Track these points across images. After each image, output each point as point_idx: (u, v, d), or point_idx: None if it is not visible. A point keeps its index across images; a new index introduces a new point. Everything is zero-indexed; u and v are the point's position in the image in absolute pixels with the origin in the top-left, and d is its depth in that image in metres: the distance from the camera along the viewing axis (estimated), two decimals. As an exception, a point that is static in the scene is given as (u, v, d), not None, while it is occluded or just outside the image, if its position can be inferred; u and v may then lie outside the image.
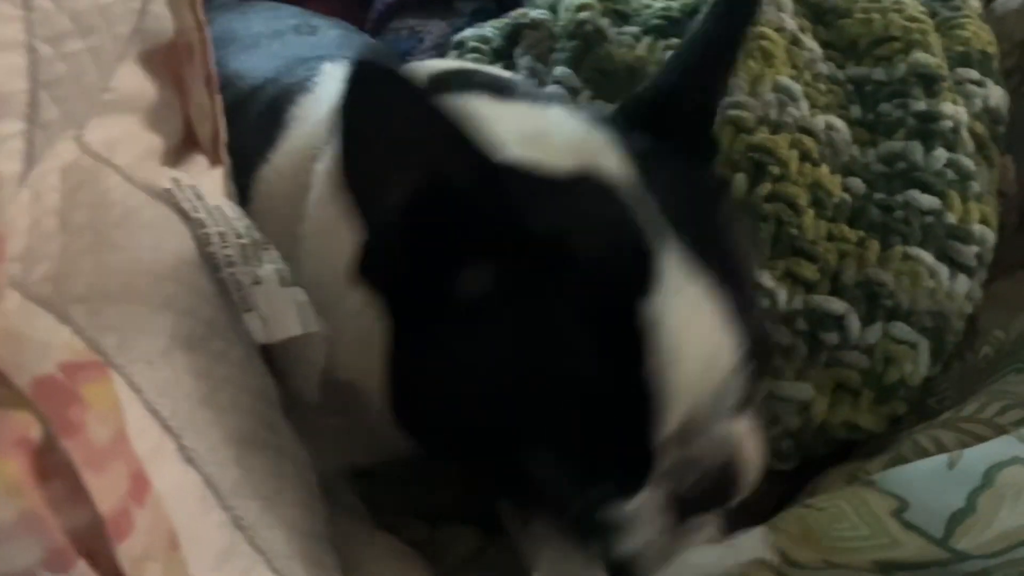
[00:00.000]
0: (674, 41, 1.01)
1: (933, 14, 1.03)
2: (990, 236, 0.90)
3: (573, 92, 0.99)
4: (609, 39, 1.02)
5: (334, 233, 0.63)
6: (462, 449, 0.62)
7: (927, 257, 0.86)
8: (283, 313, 0.59)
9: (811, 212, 0.86)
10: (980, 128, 0.95)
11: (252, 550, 0.54)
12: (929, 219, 0.88)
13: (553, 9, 1.09)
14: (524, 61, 1.06)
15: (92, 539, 0.42)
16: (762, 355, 0.61)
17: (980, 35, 1.02)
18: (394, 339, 0.61)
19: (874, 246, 0.86)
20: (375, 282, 0.60)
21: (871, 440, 0.83)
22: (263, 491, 0.56)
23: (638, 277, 0.56)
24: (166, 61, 0.64)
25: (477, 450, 0.61)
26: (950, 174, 0.91)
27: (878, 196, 0.90)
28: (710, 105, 0.69)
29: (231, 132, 0.70)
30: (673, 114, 0.66)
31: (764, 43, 0.94)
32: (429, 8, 1.41)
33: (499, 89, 0.73)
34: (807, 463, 0.84)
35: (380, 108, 0.52)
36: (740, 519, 0.79)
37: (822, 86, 0.97)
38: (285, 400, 0.62)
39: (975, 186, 0.91)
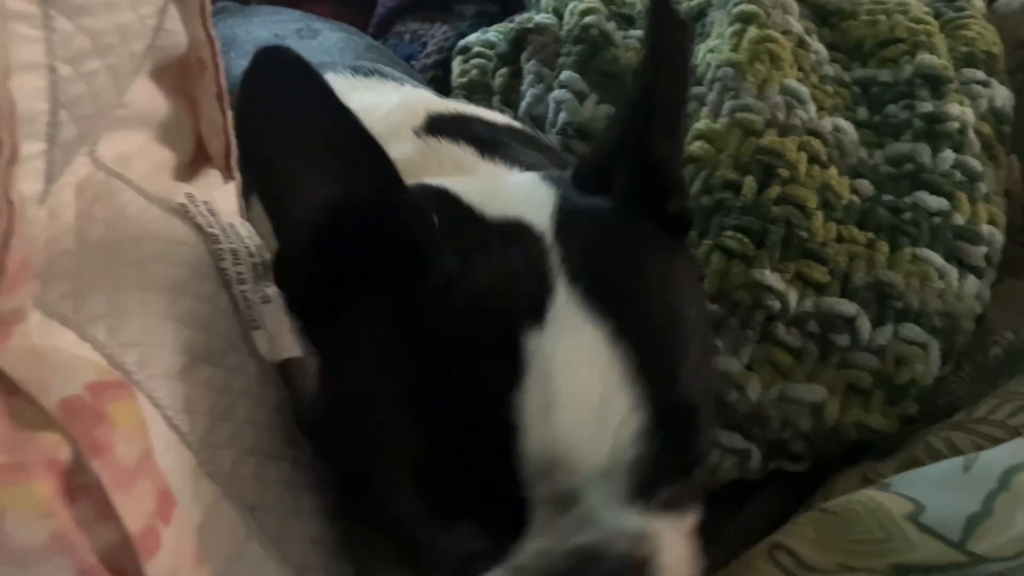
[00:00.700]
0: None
1: (938, 15, 1.04)
2: (998, 236, 0.91)
3: (579, 96, 1.00)
4: (615, 43, 1.03)
5: None
6: (345, 465, 0.60)
7: (936, 258, 0.87)
8: (287, 333, 0.60)
9: (820, 214, 0.86)
10: (986, 128, 0.96)
11: (275, 563, 0.54)
12: (937, 220, 0.89)
13: (558, 14, 1.10)
14: (530, 66, 1.07)
15: (121, 558, 0.42)
16: (685, 429, 0.54)
17: (985, 35, 1.03)
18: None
19: (883, 248, 0.86)
20: (287, 295, 0.60)
21: (883, 441, 0.84)
22: (282, 504, 0.57)
23: (526, 311, 0.53)
24: (178, 77, 0.64)
25: (359, 480, 0.58)
26: (957, 175, 0.91)
27: (886, 198, 0.90)
28: (661, 164, 0.64)
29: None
30: (621, 175, 0.62)
31: (771, 46, 0.94)
32: (431, 11, 1.42)
33: (485, 145, 0.73)
34: (819, 465, 0.84)
35: (285, 104, 0.51)
36: (753, 524, 0.80)
37: (829, 88, 0.97)
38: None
39: (982, 187, 0.92)
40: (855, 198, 0.89)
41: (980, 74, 0.99)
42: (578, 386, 0.51)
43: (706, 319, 0.73)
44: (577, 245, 0.56)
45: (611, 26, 1.04)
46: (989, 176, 0.93)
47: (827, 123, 0.93)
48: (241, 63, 0.93)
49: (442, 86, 1.20)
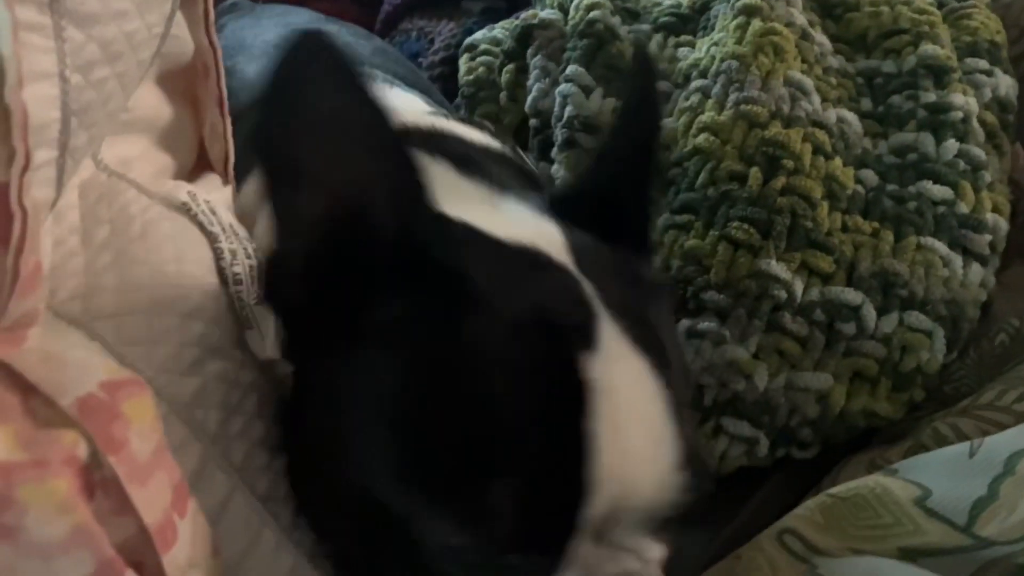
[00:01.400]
0: (684, 38, 1.03)
1: (941, 5, 1.04)
2: (1003, 224, 0.91)
3: (586, 90, 1.00)
4: (620, 37, 1.03)
5: None
6: (340, 508, 0.54)
7: (941, 247, 0.87)
8: (270, 337, 0.60)
9: (825, 205, 0.87)
10: (990, 117, 0.96)
11: (289, 552, 0.55)
12: (942, 209, 0.89)
13: (563, 9, 1.10)
14: (536, 61, 1.08)
15: (139, 550, 0.43)
16: (698, 466, 0.53)
17: (988, 24, 1.03)
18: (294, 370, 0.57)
19: (888, 237, 0.87)
20: (278, 305, 0.56)
21: (889, 427, 0.85)
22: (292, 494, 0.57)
23: (579, 333, 0.51)
24: (183, 82, 0.64)
25: (362, 506, 0.52)
26: (961, 164, 0.92)
27: (891, 187, 0.91)
28: (643, 207, 0.65)
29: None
30: (609, 212, 0.62)
31: (775, 38, 0.95)
32: (438, 8, 1.42)
33: (461, 162, 0.69)
34: (827, 451, 0.85)
35: (316, 91, 0.48)
36: (762, 510, 0.80)
37: (833, 80, 0.98)
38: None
39: (986, 176, 0.92)
40: (860, 188, 0.90)
41: (983, 63, 1.00)
42: (641, 410, 0.51)
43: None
44: (602, 279, 0.55)
45: (616, 20, 1.04)
46: (993, 165, 0.94)
47: (831, 114, 0.93)
48: (250, 68, 0.95)
49: (449, 83, 1.21)
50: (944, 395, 0.85)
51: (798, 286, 0.84)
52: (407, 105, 0.89)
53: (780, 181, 0.86)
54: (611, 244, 0.60)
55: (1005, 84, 0.99)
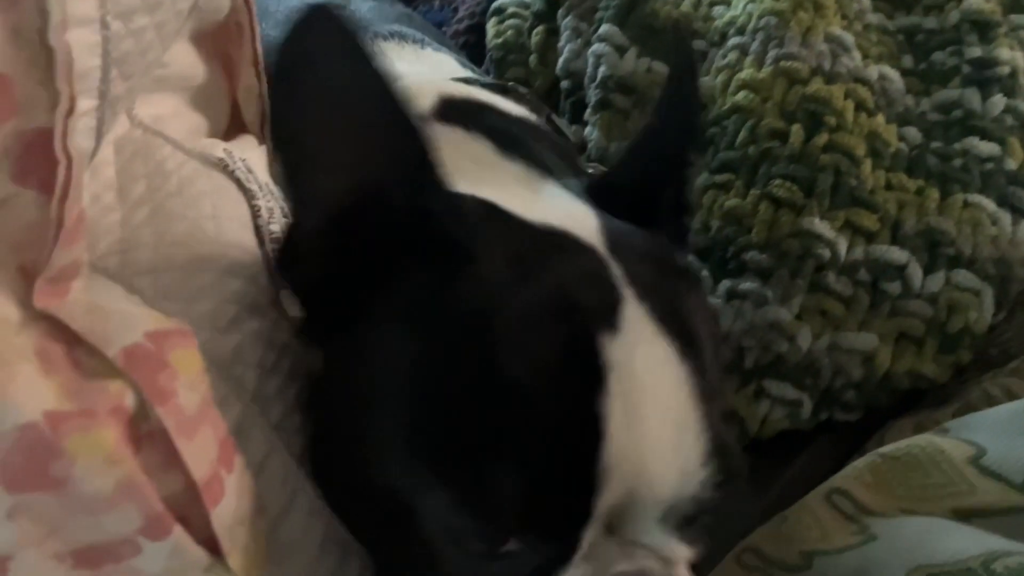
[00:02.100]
0: (720, -4, 1.01)
1: (984, -41, 1.02)
2: (1053, 181, 0.89)
3: (620, 49, 0.99)
4: (654, -5, 1.01)
5: None
6: (357, 492, 0.53)
7: (988, 204, 0.86)
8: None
9: (869, 162, 0.85)
10: (1039, 72, 0.94)
11: (323, 515, 0.54)
12: (989, 166, 0.88)
13: (593, -31, 1.08)
14: (567, 22, 1.06)
15: (185, 505, 0.43)
16: (728, 458, 0.51)
17: (1034, -22, 1.00)
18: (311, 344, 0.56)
19: (933, 195, 0.85)
20: (294, 285, 0.55)
21: (935, 390, 0.83)
22: None
23: (601, 313, 0.50)
24: (216, 41, 0.64)
25: (374, 495, 0.51)
26: (1009, 120, 0.90)
27: (935, 145, 0.89)
28: (679, 196, 0.63)
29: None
30: (645, 203, 0.60)
31: (815, -6, 0.93)
32: (461, -24, 1.40)
33: (502, 139, 0.67)
34: (870, 415, 0.83)
35: (325, 67, 0.47)
36: (805, 473, 0.79)
37: (873, 36, 0.96)
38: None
39: (1035, 132, 0.90)
40: (903, 146, 0.88)
41: (1031, 18, 0.97)
42: (661, 396, 0.49)
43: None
44: (633, 263, 0.53)
45: (650, -22, 1.03)
46: (1043, 120, 0.92)
47: (873, 71, 0.92)
48: (272, 33, 0.93)
49: (475, 52, 1.20)
50: (990, 357, 0.84)
51: (842, 245, 0.82)
52: (440, 65, 0.88)
53: (823, 138, 0.85)
54: (646, 228, 0.59)
55: (1053, 39, 0.97)
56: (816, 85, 0.87)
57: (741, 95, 0.88)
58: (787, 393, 0.81)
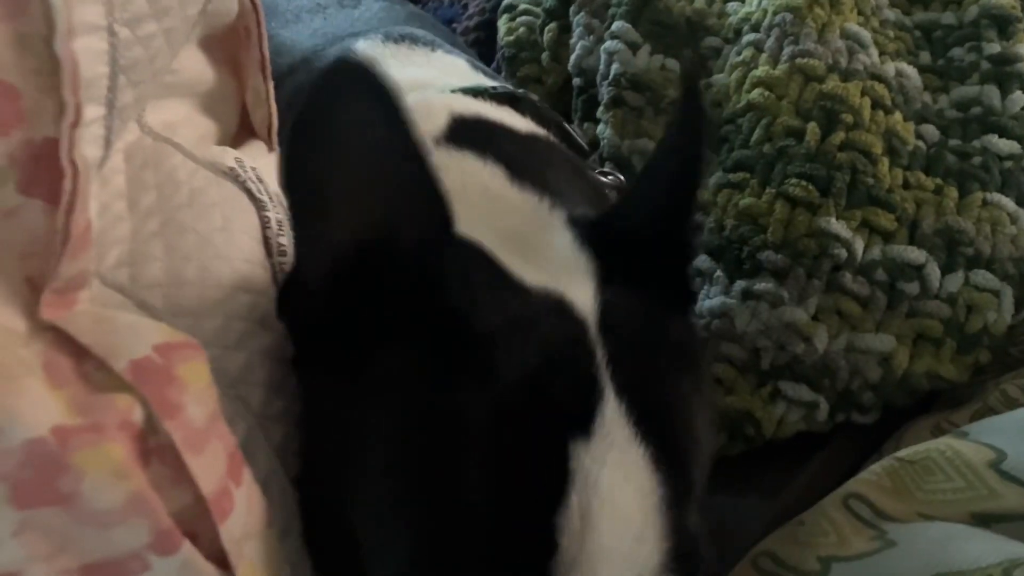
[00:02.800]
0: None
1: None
2: (1074, 180, 0.88)
3: (632, 46, 0.98)
4: (667, -8, 1.00)
5: None
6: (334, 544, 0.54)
7: (1008, 203, 0.84)
8: None
9: (886, 160, 0.84)
10: (1060, 69, 0.92)
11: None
12: (1008, 164, 0.86)
13: (606, -35, 1.07)
14: (580, 19, 1.05)
15: (194, 520, 0.42)
16: (695, 558, 0.50)
17: (1055, -28, 0.99)
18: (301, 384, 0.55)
19: (952, 193, 0.84)
20: (290, 320, 0.55)
21: (953, 391, 0.82)
22: None
23: (576, 415, 0.49)
24: (225, 45, 0.63)
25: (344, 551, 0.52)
26: (1030, 118, 0.88)
27: (953, 143, 0.88)
28: (684, 246, 0.61)
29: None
30: (650, 261, 0.57)
31: (831, -10, 0.92)
32: (472, -29, 1.39)
33: (514, 166, 0.65)
34: (887, 416, 0.82)
35: (351, 123, 0.47)
36: (822, 475, 0.79)
37: (890, 33, 0.95)
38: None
39: (1057, 130, 0.89)
40: (921, 144, 0.87)
41: (1052, 13, 0.96)
42: (622, 512, 0.48)
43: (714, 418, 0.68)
44: (622, 343, 0.52)
45: (663, -25, 1.02)
46: (1063, 118, 0.90)
47: (890, 68, 0.90)
48: (283, 33, 0.93)
49: (485, 49, 1.19)
50: (1009, 358, 0.83)
51: (859, 245, 0.81)
52: (450, 69, 0.87)
53: (839, 136, 0.83)
54: (646, 289, 0.56)
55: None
56: (832, 82, 0.86)
57: (756, 93, 0.87)
58: (803, 395, 0.80)
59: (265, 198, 0.58)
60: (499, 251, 0.54)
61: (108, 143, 0.47)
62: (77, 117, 0.40)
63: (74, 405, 0.39)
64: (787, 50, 0.89)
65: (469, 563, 0.47)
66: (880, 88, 0.88)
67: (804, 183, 0.82)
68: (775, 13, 0.92)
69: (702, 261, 0.85)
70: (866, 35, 0.91)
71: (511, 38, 1.13)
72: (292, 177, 0.49)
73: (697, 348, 0.61)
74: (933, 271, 0.81)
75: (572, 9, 1.07)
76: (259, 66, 0.65)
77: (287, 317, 0.54)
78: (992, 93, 0.90)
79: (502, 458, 0.47)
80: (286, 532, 0.50)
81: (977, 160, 0.86)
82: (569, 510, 0.46)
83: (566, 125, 0.83)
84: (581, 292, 0.54)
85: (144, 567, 0.40)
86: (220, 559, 0.43)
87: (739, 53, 0.93)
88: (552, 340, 0.51)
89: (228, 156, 0.59)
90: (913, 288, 0.81)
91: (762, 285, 0.81)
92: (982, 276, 0.82)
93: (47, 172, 0.40)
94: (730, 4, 1.00)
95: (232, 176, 0.57)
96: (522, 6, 1.16)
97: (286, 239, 0.57)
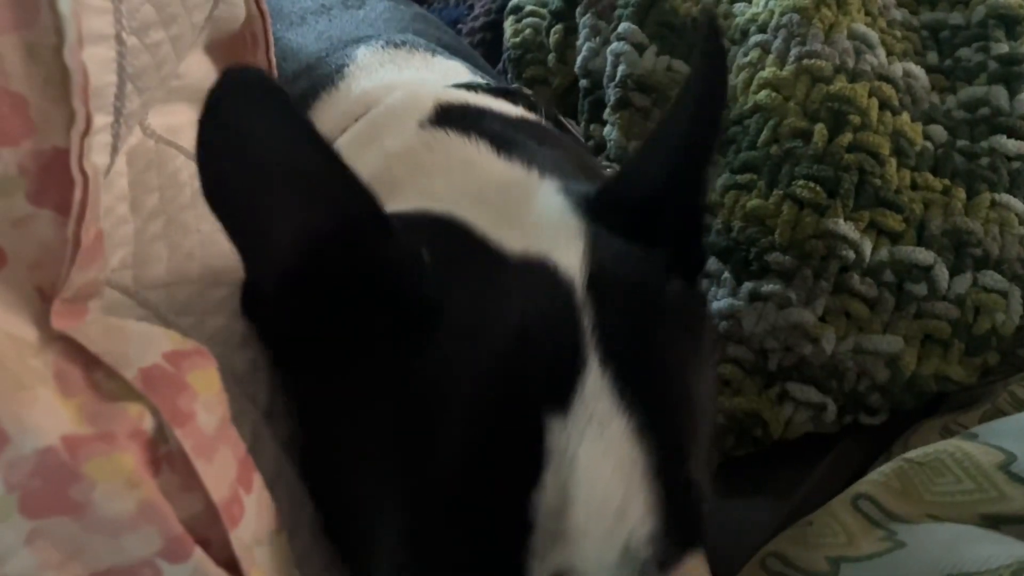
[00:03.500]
0: (740, -7, 1.00)
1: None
2: (1083, 181, 0.88)
3: (639, 48, 0.98)
4: (673, -8, 1.00)
5: None
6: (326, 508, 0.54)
7: (1016, 204, 0.84)
8: None
9: (894, 161, 0.84)
10: (1068, 69, 0.92)
11: (324, 536, 0.54)
12: (1017, 164, 0.86)
13: (611, -33, 1.07)
14: (586, 20, 1.05)
15: (205, 527, 0.42)
16: (694, 528, 0.50)
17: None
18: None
19: (960, 194, 0.84)
20: (258, 325, 0.54)
21: (960, 393, 0.82)
22: None
23: (554, 388, 0.47)
24: (231, 51, 0.64)
25: (339, 521, 0.53)
26: (1038, 118, 0.88)
27: (961, 143, 0.88)
28: (696, 210, 0.59)
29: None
30: (651, 213, 0.56)
31: (838, -10, 0.92)
32: (477, -29, 1.39)
33: (500, 141, 0.64)
34: (895, 418, 0.82)
35: (251, 133, 0.45)
36: (830, 477, 0.78)
37: (897, 33, 0.94)
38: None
39: (1066, 129, 0.89)
40: (928, 145, 0.87)
41: (1059, 12, 0.96)
42: (599, 491, 0.47)
43: (715, 385, 0.66)
44: (611, 306, 0.50)
45: (669, -25, 1.01)
46: (1072, 118, 0.90)
47: (897, 68, 0.90)
48: (288, 36, 0.93)
49: (491, 50, 1.19)
50: (1017, 359, 0.82)
51: (866, 246, 0.81)
52: (449, 73, 0.87)
53: (846, 137, 0.83)
54: (645, 252, 0.55)
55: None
56: (840, 83, 0.86)
57: (763, 94, 0.87)
58: (811, 396, 0.80)
59: None
60: (478, 220, 0.53)
61: (115, 150, 0.47)
62: (87, 126, 0.40)
63: (85, 414, 0.39)
64: (794, 51, 0.89)
65: (450, 545, 0.46)
66: (888, 89, 0.87)
67: (811, 184, 0.82)
68: (782, 14, 0.92)
69: (709, 263, 0.85)
70: (873, 35, 0.91)
71: (517, 39, 1.13)
72: (212, 196, 0.47)
73: (699, 311, 0.60)
74: (941, 272, 0.81)
75: (578, 11, 1.07)
76: (266, 70, 0.65)
77: (254, 323, 0.54)
78: (1000, 93, 0.89)
79: (475, 437, 0.46)
80: (294, 532, 0.50)
81: (985, 161, 0.86)
82: (544, 489, 0.46)
83: (562, 119, 0.82)
84: (568, 255, 0.52)
85: (156, 574, 0.40)
86: (231, 565, 0.43)
87: (746, 54, 0.93)
88: (529, 308, 0.50)
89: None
90: (921, 289, 0.81)
91: (769, 286, 0.81)
92: (990, 277, 0.81)
93: (57, 182, 0.40)
94: (736, 5, 1.00)
95: None
96: (528, 7, 1.15)
97: None
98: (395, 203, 0.55)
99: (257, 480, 0.46)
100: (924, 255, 0.81)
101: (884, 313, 0.81)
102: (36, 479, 0.38)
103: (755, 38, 0.93)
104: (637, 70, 0.97)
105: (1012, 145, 0.87)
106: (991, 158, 0.86)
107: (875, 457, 0.79)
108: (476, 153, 0.63)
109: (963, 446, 0.64)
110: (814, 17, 0.90)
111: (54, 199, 0.40)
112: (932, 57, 0.95)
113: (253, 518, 0.45)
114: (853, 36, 0.89)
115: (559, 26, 1.10)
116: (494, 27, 1.22)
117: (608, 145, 0.98)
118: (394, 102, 0.73)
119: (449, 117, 0.68)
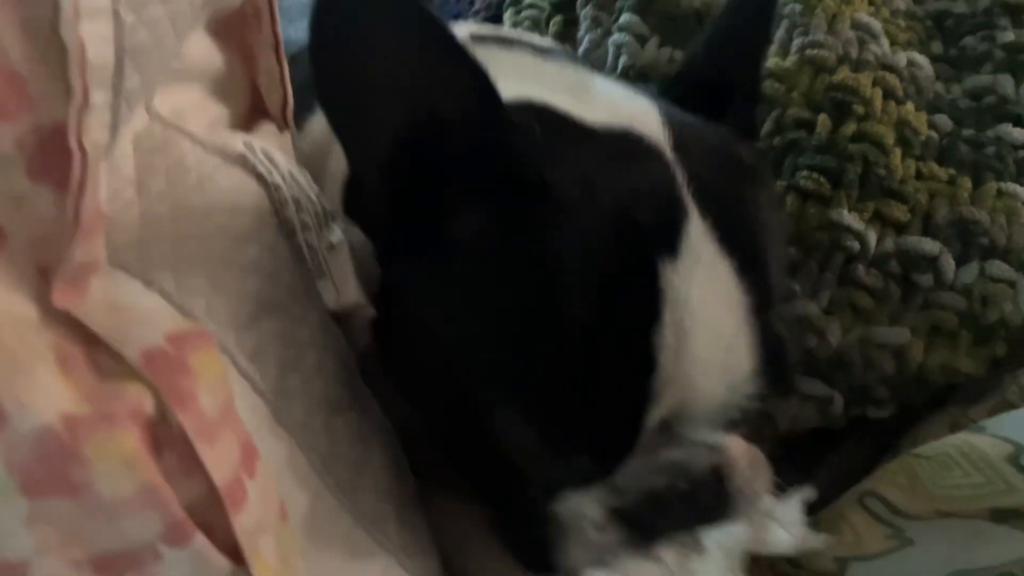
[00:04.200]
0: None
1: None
2: (1091, 169, 0.87)
3: (641, 39, 0.97)
4: (674, -17, 1.00)
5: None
6: (437, 403, 0.58)
7: (1023, 192, 0.83)
8: (352, 280, 0.58)
9: (898, 151, 0.83)
10: (1075, 56, 0.91)
11: (349, 515, 0.54)
12: (1023, 153, 0.85)
13: (612, -42, 1.07)
14: (587, 11, 1.05)
15: (207, 512, 0.42)
16: (779, 370, 0.55)
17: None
18: (382, 277, 0.58)
19: (966, 183, 0.83)
20: (361, 220, 0.58)
21: (969, 385, 0.81)
22: (353, 455, 0.56)
23: (662, 236, 0.52)
24: (233, 29, 0.63)
25: (453, 407, 0.57)
26: (1045, 106, 0.87)
27: (967, 132, 0.87)
28: (753, 86, 0.66)
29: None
30: (717, 95, 0.62)
31: (840, -21, 0.91)
32: (478, -35, 1.39)
33: (542, 51, 0.69)
34: (904, 411, 0.82)
35: (361, 20, 0.48)
36: (838, 472, 0.78)
37: (901, 22, 0.94)
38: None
39: (1072, 117, 0.88)
40: (933, 134, 0.86)
41: (1066, -1, 0.95)
42: (713, 325, 0.51)
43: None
44: (699, 166, 0.55)
45: (670, -34, 1.01)
46: (1079, 105, 0.89)
47: (901, 58, 0.89)
48: (289, 29, 0.92)
49: (491, 44, 1.18)
50: (1027, 350, 0.82)
51: (872, 237, 0.80)
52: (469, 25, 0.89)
53: (850, 127, 0.82)
54: (712, 121, 0.61)
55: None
56: (843, 73, 0.85)
57: (766, 84, 0.86)
58: (817, 389, 0.79)
59: (278, 179, 0.58)
60: (559, 105, 0.57)
61: (114, 128, 0.47)
62: (85, 101, 0.40)
63: (85, 394, 0.39)
64: (796, 41, 0.88)
65: (576, 395, 0.51)
66: (892, 78, 0.87)
67: (815, 175, 0.81)
68: (784, 4, 0.91)
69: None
70: (877, 25, 0.90)
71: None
72: (323, 82, 0.51)
73: (767, 172, 0.66)
74: (947, 262, 0.80)
75: (579, 2, 1.07)
76: (271, 47, 0.64)
77: (357, 218, 0.57)
78: (1006, 82, 0.88)
79: (596, 288, 0.51)
80: (308, 515, 0.51)
81: (991, 150, 0.85)
82: (664, 327, 0.50)
83: None
84: (648, 126, 0.57)
85: (156, 558, 0.40)
86: (234, 552, 0.42)
87: (748, 45, 0.92)
88: (631, 168, 0.55)
89: (237, 141, 0.59)
90: (927, 280, 0.80)
91: (774, 278, 0.80)
92: (997, 267, 0.80)
93: (55, 157, 0.40)
94: (739, -5, 0.99)
95: (241, 161, 0.57)
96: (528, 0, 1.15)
97: (307, 215, 0.57)
98: None
99: (261, 465, 0.46)
100: (930, 245, 0.80)
101: (890, 304, 0.80)
102: (35, 459, 0.37)
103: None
104: (639, 62, 0.96)
105: (1018, 134, 0.86)
106: (997, 147, 0.85)
107: (884, 452, 0.79)
108: (522, 60, 0.67)
109: (971, 439, 0.63)
110: (816, 7, 0.89)
111: (53, 175, 0.40)
112: (936, 46, 0.94)
113: (257, 504, 0.44)
114: (856, 26, 0.89)
115: (559, 18, 1.09)
116: (495, 21, 1.22)
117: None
118: None
119: (486, 40, 0.72)
